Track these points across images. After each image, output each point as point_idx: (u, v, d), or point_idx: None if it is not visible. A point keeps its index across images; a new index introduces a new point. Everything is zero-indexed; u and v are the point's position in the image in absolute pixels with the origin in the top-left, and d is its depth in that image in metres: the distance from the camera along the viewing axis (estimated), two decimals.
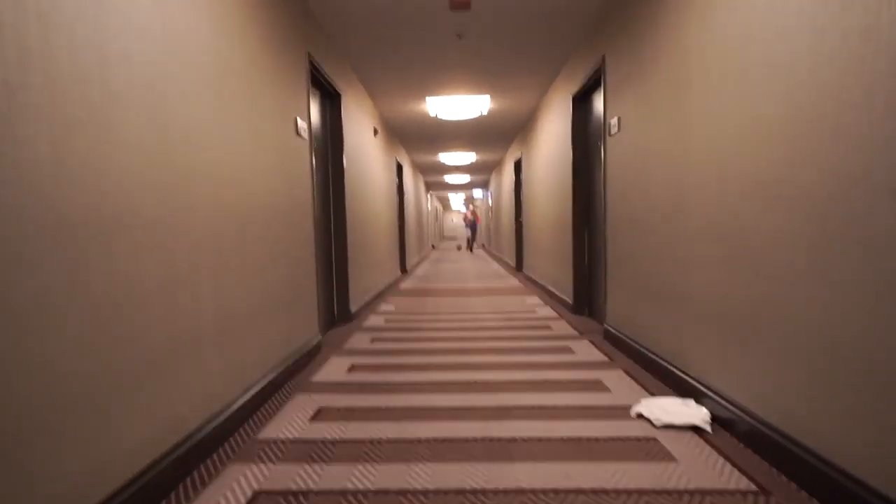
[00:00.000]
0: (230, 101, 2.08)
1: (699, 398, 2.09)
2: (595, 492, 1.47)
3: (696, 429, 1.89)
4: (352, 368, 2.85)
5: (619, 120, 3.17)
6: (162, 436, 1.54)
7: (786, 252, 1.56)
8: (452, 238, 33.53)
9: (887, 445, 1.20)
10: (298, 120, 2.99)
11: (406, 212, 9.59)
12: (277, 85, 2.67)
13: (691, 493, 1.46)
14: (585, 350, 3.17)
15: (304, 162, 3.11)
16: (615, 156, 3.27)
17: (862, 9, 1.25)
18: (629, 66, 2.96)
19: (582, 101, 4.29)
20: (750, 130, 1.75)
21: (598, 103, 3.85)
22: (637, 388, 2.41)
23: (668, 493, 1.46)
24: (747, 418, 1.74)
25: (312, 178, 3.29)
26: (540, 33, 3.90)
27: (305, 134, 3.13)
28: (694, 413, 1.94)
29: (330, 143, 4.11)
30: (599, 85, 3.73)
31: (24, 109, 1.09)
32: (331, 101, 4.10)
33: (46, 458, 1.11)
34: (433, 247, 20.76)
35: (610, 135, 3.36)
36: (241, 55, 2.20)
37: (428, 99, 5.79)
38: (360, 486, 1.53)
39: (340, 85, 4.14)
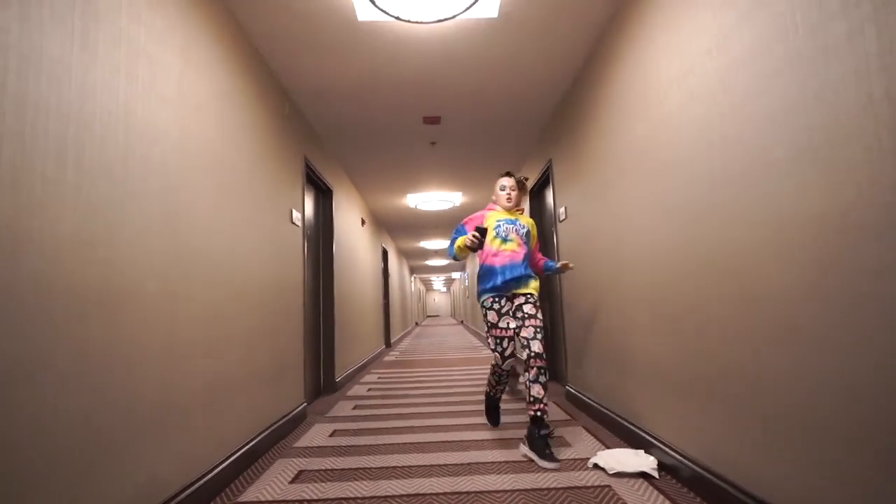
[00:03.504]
0: (231, 194, 2.18)
1: (648, 448, 2.06)
2: None
3: (645, 475, 1.85)
4: (333, 433, 2.73)
5: (565, 209, 3.37)
6: (143, 499, 1.44)
7: (702, 312, 1.64)
8: (435, 315, 33.19)
9: (815, 485, 1.21)
10: (293, 211, 3.11)
11: (391, 292, 9.59)
12: (276, 182, 2.81)
13: None
14: (550, 410, 3.10)
15: (296, 247, 3.18)
16: (565, 238, 3.44)
17: (726, 126, 1.44)
18: (571, 166, 3.21)
19: (537, 194, 4.55)
20: (659, 213, 1.90)
21: (550, 196, 4.10)
22: (595, 442, 2.36)
23: None
24: (690, 465, 1.72)
25: (304, 261, 3.35)
26: (500, 140, 4.23)
27: (299, 223, 3.24)
28: (643, 462, 1.91)
29: (322, 231, 4.23)
30: (549, 181, 3.99)
31: (56, 198, 1.15)
32: (323, 196, 4.28)
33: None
34: (416, 324, 20.50)
35: (560, 221, 3.55)
36: (244, 157, 2.34)
37: (409, 195, 6.06)
38: (358, 495, 1.44)
39: (332, 182, 4.34)
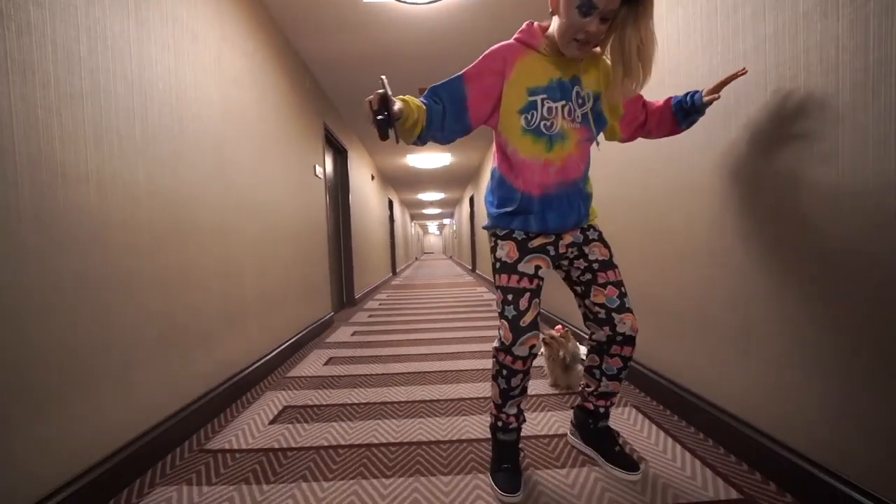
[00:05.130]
0: (267, 150, 2.16)
1: (582, 340, 2.23)
2: None
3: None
4: (353, 334, 2.90)
5: None
6: (221, 371, 1.58)
7: (627, 240, 1.72)
8: (430, 253, 33.52)
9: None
10: (316, 166, 3.07)
11: (395, 233, 9.64)
12: (301, 142, 2.75)
13: (574, 394, 1.58)
14: None
15: (320, 195, 3.18)
16: None
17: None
18: None
19: None
20: (601, 161, 1.93)
21: None
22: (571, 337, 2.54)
23: (559, 395, 1.58)
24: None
25: (326, 206, 3.35)
26: None
27: (321, 176, 3.20)
28: (580, 349, 2.07)
29: (339, 184, 4.18)
30: None
31: (130, 150, 1.16)
32: (340, 156, 4.19)
33: (147, 371, 1.16)
34: (416, 258, 20.76)
35: None
36: (275, 121, 2.29)
37: (408, 156, 5.93)
38: (357, 401, 1.60)
39: (347, 144, 4.23)
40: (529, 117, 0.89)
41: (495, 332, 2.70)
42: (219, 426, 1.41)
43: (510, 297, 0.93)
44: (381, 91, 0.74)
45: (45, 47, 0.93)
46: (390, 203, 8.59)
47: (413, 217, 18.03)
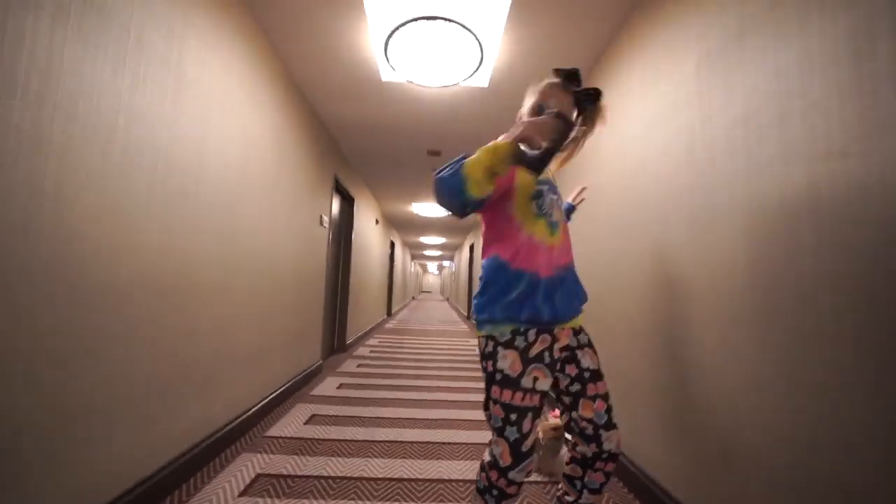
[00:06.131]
0: (277, 205, 2.25)
1: None
2: None
3: None
4: (340, 386, 2.84)
5: None
6: (195, 431, 1.55)
7: (605, 317, 1.75)
8: (428, 291, 33.31)
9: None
10: (323, 216, 3.18)
11: (394, 274, 9.68)
12: (311, 193, 2.87)
13: (551, 484, 1.54)
14: None
15: (323, 243, 3.26)
16: None
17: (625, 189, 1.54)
18: None
19: None
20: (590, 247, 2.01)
21: None
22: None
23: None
24: None
25: (328, 254, 3.42)
26: None
27: (327, 225, 3.30)
28: None
29: (344, 230, 4.29)
30: None
31: (147, 217, 1.22)
32: (347, 203, 4.33)
33: (135, 427, 1.14)
34: (413, 298, 20.59)
35: None
36: (288, 175, 2.41)
37: (413, 203, 6.12)
38: (333, 473, 1.55)
39: (354, 192, 4.39)
40: (541, 203, 0.97)
41: (482, 395, 2.65)
42: (187, 495, 1.36)
43: (513, 416, 0.87)
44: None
45: (86, 128, 1.02)
46: (392, 245, 8.71)
47: (414, 256, 18.16)
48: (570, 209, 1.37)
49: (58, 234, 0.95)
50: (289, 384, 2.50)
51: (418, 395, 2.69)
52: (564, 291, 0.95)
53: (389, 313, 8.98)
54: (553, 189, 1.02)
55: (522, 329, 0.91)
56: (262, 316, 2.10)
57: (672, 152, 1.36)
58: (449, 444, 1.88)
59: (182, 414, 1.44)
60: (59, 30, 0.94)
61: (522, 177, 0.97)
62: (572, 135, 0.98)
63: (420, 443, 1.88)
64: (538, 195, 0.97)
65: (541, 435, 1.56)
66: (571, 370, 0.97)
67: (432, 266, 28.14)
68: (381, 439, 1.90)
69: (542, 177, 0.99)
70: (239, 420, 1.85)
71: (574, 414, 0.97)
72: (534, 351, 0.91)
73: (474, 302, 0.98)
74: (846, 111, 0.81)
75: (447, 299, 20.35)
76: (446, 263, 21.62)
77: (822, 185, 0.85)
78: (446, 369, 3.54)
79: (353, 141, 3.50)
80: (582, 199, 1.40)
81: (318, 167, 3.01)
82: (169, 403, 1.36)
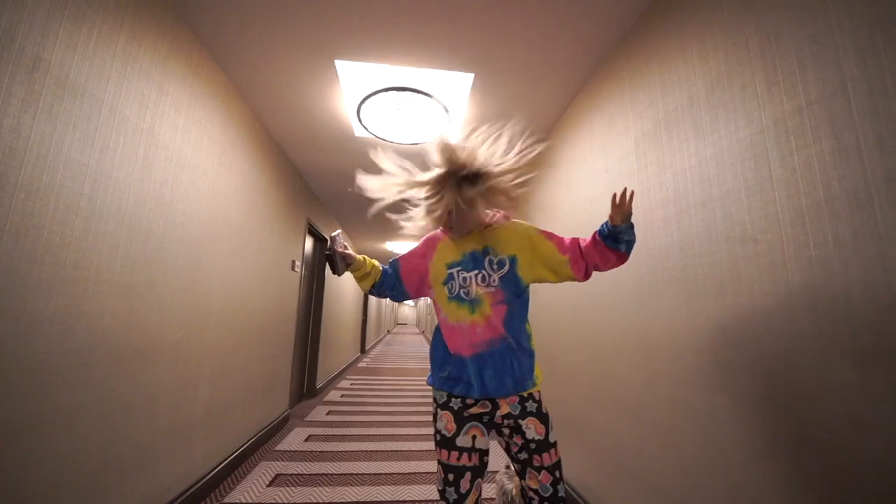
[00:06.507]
0: (245, 255, 2.24)
1: None
2: None
3: None
4: (308, 438, 2.72)
5: None
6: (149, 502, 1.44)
7: (576, 374, 1.81)
8: (404, 323, 32.71)
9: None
10: (295, 262, 3.15)
11: (369, 310, 9.52)
12: (282, 238, 2.86)
13: None
14: None
15: (294, 288, 3.21)
16: None
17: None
18: None
19: None
20: (562, 299, 2.09)
21: None
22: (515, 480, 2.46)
23: None
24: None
25: (299, 298, 3.37)
26: None
27: (299, 270, 3.27)
28: None
29: (316, 271, 4.25)
30: None
31: (106, 284, 1.20)
32: (320, 244, 4.32)
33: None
34: (388, 331, 20.15)
35: None
36: (258, 223, 2.41)
37: (387, 242, 6.17)
38: (319, 500, 1.47)
39: (328, 233, 4.40)
40: (451, 287, 1.01)
41: None
42: None
43: (451, 476, 0.90)
44: (334, 235, 1.08)
45: (47, 202, 1.02)
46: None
47: None
48: (609, 232, 0.93)
49: (5, 308, 0.93)
50: (252, 440, 2.38)
51: (391, 444, 2.61)
52: (494, 366, 0.94)
53: (363, 350, 8.74)
54: (475, 261, 1.00)
55: (452, 392, 0.97)
56: (225, 371, 2.02)
57: None
58: (424, 501, 1.83)
59: (131, 489, 1.35)
60: (27, 111, 0.96)
61: (436, 265, 1.04)
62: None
63: (393, 502, 1.82)
64: (448, 279, 1.01)
65: (514, 492, 1.55)
66: (518, 440, 0.95)
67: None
68: (351, 499, 1.83)
69: (465, 254, 1.01)
70: (195, 488, 1.73)
71: (522, 482, 0.97)
72: (471, 411, 0.96)
73: (430, 356, 1.06)
74: (753, 203, 0.94)
75: (422, 332, 20.05)
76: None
77: (740, 261, 0.97)
78: (420, 413, 3.47)
79: (326, 186, 3.56)
80: (624, 204, 0.90)
81: (290, 212, 3.02)
82: (117, 479, 1.28)
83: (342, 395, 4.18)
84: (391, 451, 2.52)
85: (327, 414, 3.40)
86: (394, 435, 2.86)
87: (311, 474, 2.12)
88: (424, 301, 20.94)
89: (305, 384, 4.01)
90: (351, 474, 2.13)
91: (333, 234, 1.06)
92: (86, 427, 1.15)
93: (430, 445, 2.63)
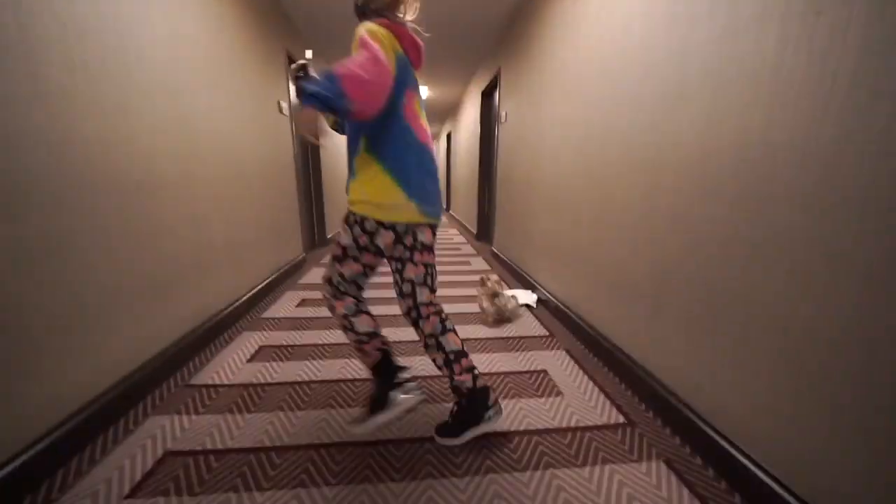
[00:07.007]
0: (226, 90, 2.03)
1: (534, 290, 2.48)
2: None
3: (527, 305, 2.28)
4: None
5: (506, 113, 3.31)
6: (196, 315, 1.69)
7: (579, 207, 1.86)
8: None
9: (614, 321, 1.58)
10: (281, 102, 2.90)
11: None
12: (263, 74, 2.56)
13: (515, 338, 1.83)
14: (478, 263, 3.50)
15: (286, 133, 3.05)
16: (504, 138, 3.44)
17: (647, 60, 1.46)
18: (513, 76, 3.06)
19: (487, 97, 4.33)
20: (567, 128, 1.98)
21: (497, 99, 3.94)
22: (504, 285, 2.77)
23: (503, 339, 1.82)
24: (554, 300, 2.13)
25: (293, 144, 3.23)
26: (461, 44, 3.84)
27: (287, 112, 3.04)
28: (529, 297, 2.32)
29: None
30: (497, 86, 3.80)
31: (71, 103, 1.11)
32: None
33: (130, 317, 1.26)
34: None
35: (501, 123, 3.50)
36: (232, 54, 2.11)
37: None
38: (328, 341, 1.78)
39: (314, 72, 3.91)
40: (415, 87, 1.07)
41: (464, 274, 2.90)
42: (200, 363, 1.56)
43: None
44: (302, 62, 1.03)
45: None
46: None
47: None
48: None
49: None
50: (276, 275, 2.64)
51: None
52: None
53: None
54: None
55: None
56: (234, 211, 2.09)
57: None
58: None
59: (180, 301, 1.55)
60: None
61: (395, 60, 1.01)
62: None
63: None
64: (410, 78, 1.03)
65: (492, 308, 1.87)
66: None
67: None
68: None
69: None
70: (235, 304, 2.00)
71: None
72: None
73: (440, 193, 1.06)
74: None
75: None
76: None
77: (790, 46, 0.84)
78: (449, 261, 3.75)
79: (302, 6, 2.97)
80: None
81: (266, 44, 2.61)
82: (164, 293, 1.46)
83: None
84: None
85: None
86: None
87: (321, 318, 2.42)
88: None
89: (316, 234, 4.25)
90: (369, 298, 2.43)
91: (300, 63, 0.99)
92: (130, 248, 1.23)
93: (449, 291, 2.93)
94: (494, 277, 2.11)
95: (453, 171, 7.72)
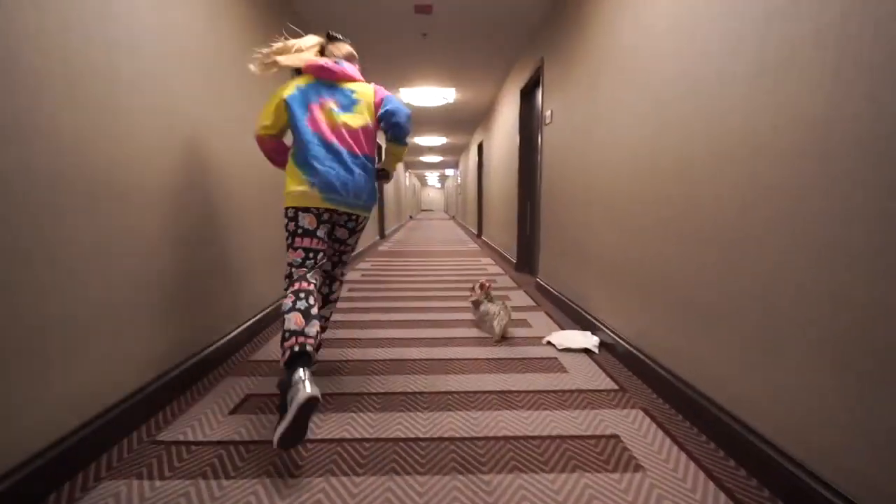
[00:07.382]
0: (224, 89, 2.14)
1: (595, 331, 2.34)
2: (502, 392, 1.70)
3: (587, 351, 2.15)
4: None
5: (551, 113, 3.32)
6: (171, 355, 1.68)
7: (646, 219, 1.77)
8: (429, 210, 33.44)
9: (691, 356, 1.44)
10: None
11: (386, 190, 9.61)
12: (265, 78, 2.70)
13: (573, 391, 1.70)
14: (520, 298, 3.40)
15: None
16: (549, 142, 3.43)
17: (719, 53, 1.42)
18: (560, 68, 3.09)
19: (527, 96, 4.40)
20: (633, 121, 1.93)
21: (539, 98, 3.98)
22: (552, 324, 2.65)
23: (558, 392, 1.70)
24: (624, 343, 1.99)
25: None
26: (493, 36, 3.97)
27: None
28: (588, 340, 2.19)
29: None
30: (539, 82, 3.85)
31: (51, 94, 1.18)
32: None
33: (142, 334, 1.25)
34: (411, 217, 20.77)
35: (545, 124, 3.51)
36: (232, 50, 2.25)
37: (401, 89, 5.80)
38: (331, 390, 1.72)
39: None
40: None
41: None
42: (172, 415, 1.54)
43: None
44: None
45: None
46: (379, 148, 8.50)
47: (408, 165, 17.83)
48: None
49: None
50: (268, 310, 2.65)
51: (424, 315, 2.85)
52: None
53: (382, 234, 9.14)
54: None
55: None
56: (228, 229, 2.13)
57: None
58: (455, 360, 2.04)
59: (156, 338, 1.55)
60: None
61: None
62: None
63: (427, 359, 2.04)
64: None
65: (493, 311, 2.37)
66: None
67: (432, 177, 27.79)
68: (380, 358, 2.07)
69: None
70: (217, 345, 2.00)
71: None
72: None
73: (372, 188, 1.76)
74: None
75: (453, 217, 20.51)
76: (449, 172, 21.29)
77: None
78: (458, 290, 3.70)
79: (317, 4, 3.18)
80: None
81: (268, 35, 2.78)
82: (138, 325, 1.46)
83: (362, 275, 4.50)
84: (426, 319, 2.76)
85: (349, 291, 3.71)
86: (423, 307, 3.10)
87: (338, 339, 2.39)
88: (453, 181, 20.87)
89: None
90: (380, 338, 2.38)
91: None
92: (74, 268, 1.25)
93: (464, 315, 2.84)
94: (484, 281, 2.57)
95: (486, 190, 7.77)
